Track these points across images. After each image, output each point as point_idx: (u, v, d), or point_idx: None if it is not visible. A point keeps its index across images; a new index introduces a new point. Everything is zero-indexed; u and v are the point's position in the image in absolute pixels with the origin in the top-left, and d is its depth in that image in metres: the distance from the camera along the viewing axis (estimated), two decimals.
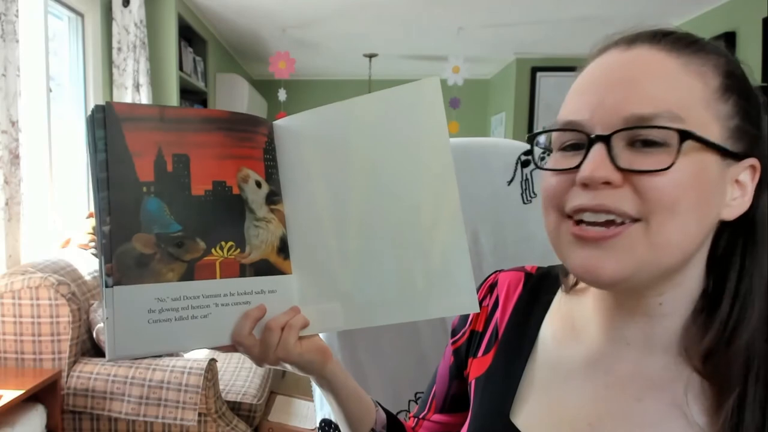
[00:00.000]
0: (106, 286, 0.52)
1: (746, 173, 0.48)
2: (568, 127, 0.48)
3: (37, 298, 1.98)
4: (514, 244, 0.97)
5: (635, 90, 0.45)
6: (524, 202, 0.96)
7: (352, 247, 0.59)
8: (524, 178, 0.97)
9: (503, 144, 1.02)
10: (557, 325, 0.61)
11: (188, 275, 0.55)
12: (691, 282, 0.50)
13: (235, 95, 4.61)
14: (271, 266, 0.59)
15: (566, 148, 0.50)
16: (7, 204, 2.03)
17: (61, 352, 2.02)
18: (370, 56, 5.06)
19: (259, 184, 0.59)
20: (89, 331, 2.17)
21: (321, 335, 0.65)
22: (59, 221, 2.60)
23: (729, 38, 3.41)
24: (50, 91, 2.50)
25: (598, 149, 0.46)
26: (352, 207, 0.59)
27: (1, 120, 1.99)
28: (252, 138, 0.59)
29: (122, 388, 2.02)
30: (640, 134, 0.45)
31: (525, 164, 0.98)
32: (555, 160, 0.51)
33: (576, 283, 0.61)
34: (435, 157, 0.56)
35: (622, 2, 3.59)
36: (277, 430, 2.36)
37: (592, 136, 0.46)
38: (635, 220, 0.46)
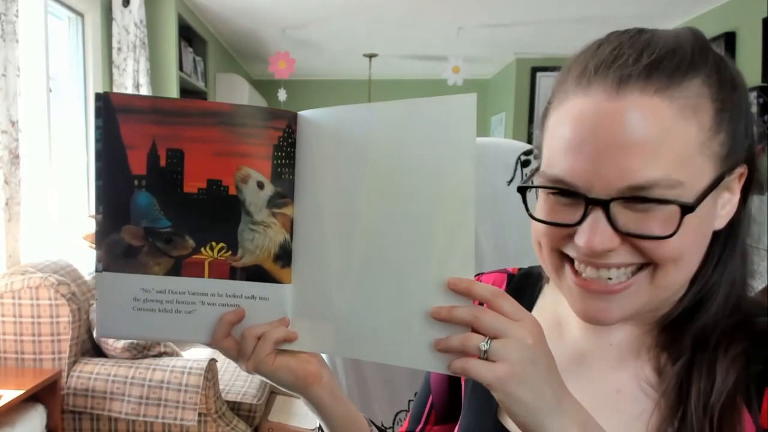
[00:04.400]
0: (97, 270, 0.55)
1: (735, 180, 0.49)
2: (561, 186, 0.47)
3: (37, 298, 1.98)
4: (515, 243, 0.97)
5: (631, 158, 0.43)
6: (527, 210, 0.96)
7: (355, 269, 0.54)
8: (524, 178, 0.97)
9: (503, 144, 1.02)
10: (543, 324, 0.61)
11: (175, 271, 0.55)
12: (682, 289, 0.51)
13: (235, 95, 4.61)
14: (266, 273, 0.57)
15: (558, 194, 0.48)
16: (7, 204, 2.03)
17: (61, 352, 2.02)
18: (370, 56, 5.06)
19: (261, 185, 0.55)
20: (89, 331, 2.17)
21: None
22: (59, 221, 2.59)
23: (729, 38, 3.41)
24: (50, 91, 2.50)
25: (597, 216, 0.45)
26: (362, 224, 0.54)
27: (1, 120, 1.99)
28: (259, 134, 0.54)
29: (122, 388, 2.02)
30: (638, 202, 0.45)
31: (525, 164, 0.98)
32: (547, 206, 0.50)
33: None
34: (455, 185, 0.49)
35: (622, 2, 3.59)
36: (277, 430, 2.36)
37: (589, 197, 0.45)
38: (640, 267, 0.47)
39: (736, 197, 0.49)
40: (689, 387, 0.47)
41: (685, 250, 0.46)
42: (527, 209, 0.51)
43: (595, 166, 0.44)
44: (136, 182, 0.54)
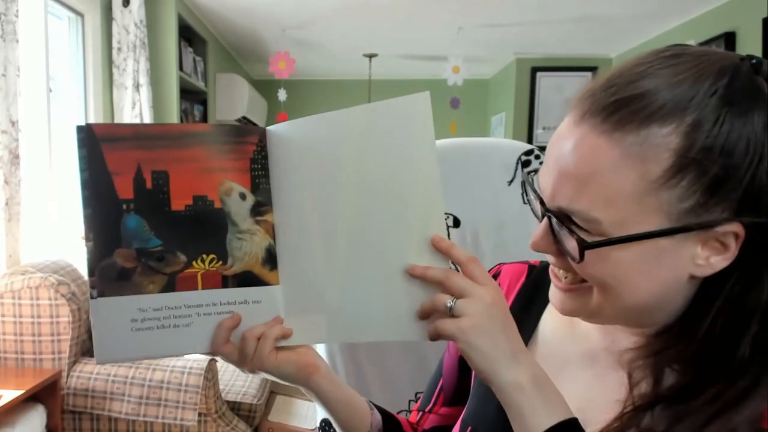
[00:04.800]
0: (91, 298, 0.56)
1: (728, 236, 0.46)
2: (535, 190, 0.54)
3: (37, 298, 1.98)
4: (515, 243, 0.97)
5: (566, 184, 0.48)
6: (524, 202, 0.97)
7: (340, 260, 0.59)
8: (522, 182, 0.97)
9: (504, 144, 1.02)
10: (557, 321, 0.64)
11: (169, 287, 0.57)
12: (677, 308, 0.51)
13: (235, 95, 4.61)
14: (255, 277, 0.60)
15: None
16: (7, 204, 2.03)
17: (61, 352, 2.02)
18: (370, 56, 5.06)
19: (243, 196, 0.59)
20: (89, 331, 2.16)
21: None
22: (59, 221, 2.59)
23: (729, 38, 3.42)
24: (50, 91, 2.50)
25: (544, 222, 0.52)
26: (341, 219, 0.58)
27: (1, 120, 1.99)
28: (236, 150, 0.59)
29: (122, 388, 2.02)
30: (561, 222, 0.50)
31: (525, 164, 0.98)
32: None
33: None
34: (422, 173, 0.55)
35: (622, 2, 3.59)
36: (277, 430, 2.36)
37: (544, 204, 0.51)
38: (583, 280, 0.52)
39: (732, 251, 0.46)
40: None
41: (610, 281, 0.49)
42: (526, 201, 0.57)
43: (547, 180, 0.50)
44: (124, 206, 0.56)
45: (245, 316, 0.60)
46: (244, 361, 0.60)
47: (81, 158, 0.55)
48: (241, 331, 0.60)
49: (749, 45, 3.26)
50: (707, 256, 0.47)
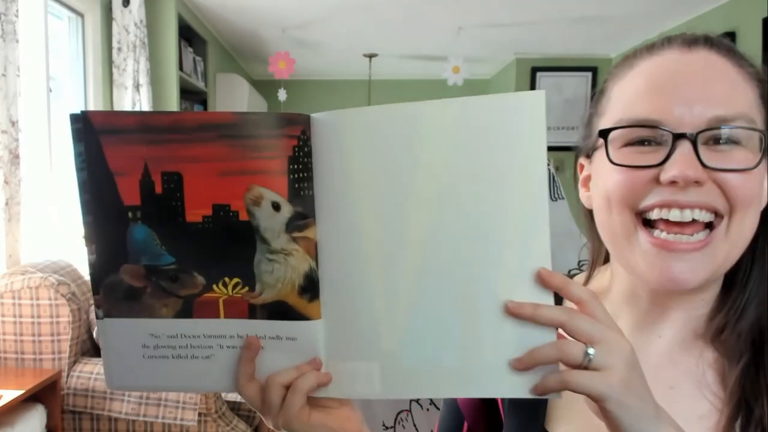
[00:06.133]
0: (97, 318, 0.49)
1: None
2: (648, 124, 0.48)
3: (37, 298, 1.98)
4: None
5: (713, 91, 0.47)
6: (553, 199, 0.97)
7: (406, 290, 0.46)
8: (550, 175, 0.96)
9: None
10: None
11: (185, 312, 0.49)
12: (717, 285, 0.53)
13: (235, 95, 4.61)
14: (290, 309, 0.48)
15: (635, 144, 0.49)
16: (7, 204, 2.03)
17: (61, 352, 2.02)
18: (370, 56, 5.05)
19: (277, 206, 0.47)
20: (89, 331, 2.17)
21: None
22: (59, 221, 2.59)
23: (729, 38, 3.41)
24: (50, 91, 2.50)
25: (685, 148, 0.46)
26: (411, 238, 0.46)
27: (1, 120, 1.99)
28: (270, 145, 0.46)
29: None
30: (723, 134, 0.46)
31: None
32: (624, 155, 0.49)
33: (587, 282, 0.61)
34: (526, 188, 0.44)
35: (622, 2, 3.58)
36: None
37: (676, 133, 0.46)
38: (718, 217, 0.47)
39: None
40: (755, 386, 0.48)
41: (756, 195, 0.48)
42: (609, 156, 0.50)
43: (678, 101, 0.47)
44: (130, 214, 0.47)
45: (275, 354, 0.49)
46: (268, 411, 0.49)
47: (77, 154, 0.46)
48: (267, 372, 0.50)
49: (749, 45, 3.26)
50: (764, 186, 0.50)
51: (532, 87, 5.16)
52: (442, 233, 0.45)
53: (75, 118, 0.46)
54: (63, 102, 2.79)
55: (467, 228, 0.45)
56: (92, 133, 0.46)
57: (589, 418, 0.50)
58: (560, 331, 0.43)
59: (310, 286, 0.48)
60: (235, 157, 0.46)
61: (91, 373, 2.04)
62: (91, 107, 2.91)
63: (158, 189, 0.46)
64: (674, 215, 0.47)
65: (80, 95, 2.88)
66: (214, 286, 0.48)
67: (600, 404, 0.41)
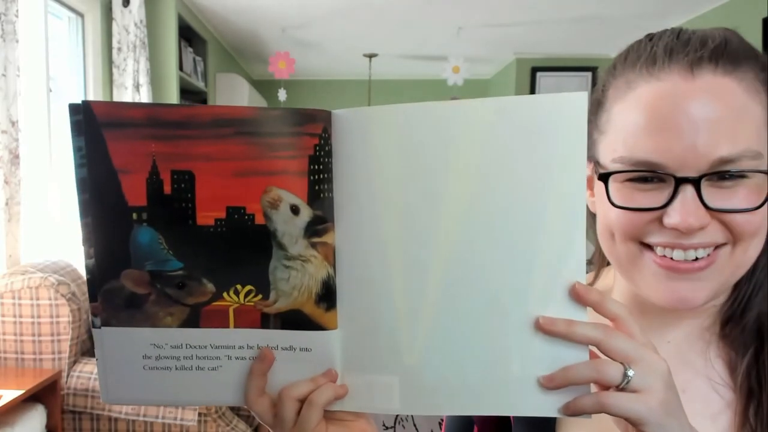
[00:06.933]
0: (94, 326, 0.46)
1: None
2: (646, 168, 0.47)
3: (37, 298, 1.98)
4: None
5: (717, 128, 0.44)
6: None
7: (429, 301, 0.44)
8: None
9: None
10: None
11: (192, 322, 0.46)
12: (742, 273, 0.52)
13: (235, 95, 4.61)
14: (306, 319, 0.46)
15: (637, 181, 0.48)
16: (7, 204, 2.03)
17: (61, 352, 2.02)
18: (370, 56, 5.06)
19: (295, 210, 0.44)
20: (89, 331, 2.17)
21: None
22: (59, 221, 2.60)
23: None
24: (50, 91, 2.50)
25: (688, 193, 0.45)
26: (436, 245, 0.43)
27: (1, 120, 1.99)
28: (290, 144, 0.43)
29: None
30: (727, 175, 0.45)
31: None
32: (624, 194, 0.48)
33: (594, 282, 0.61)
34: (563, 196, 0.41)
35: (622, 2, 3.59)
36: None
37: (678, 176, 0.45)
38: (721, 244, 0.47)
39: None
40: (759, 378, 0.48)
41: (760, 228, 0.47)
42: (609, 198, 0.49)
43: (680, 143, 0.45)
44: (134, 215, 0.44)
45: (288, 366, 0.47)
46: (281, 426, 0.47)
47: (77, 149, 0.43)
48: (278, 385, 0.47)
49: None
50: None
51: (533, 87, 5.16)
52: (472, 241, 0.42)
53: (75, 109, 0.42)
54: (63, 102, 2.79)
55: (498, 237, 0.42)
56: (94, 125, 0.42)
57: (602, 422, 0.49)
58: (592, 348, 0.41)
59: (328, 295, 0.45)
60: (253, 155, 0.43)
61: (91, 373, 2.04)
62: None
63: (167, 189, 0.43)
64: (677, 255, 0.47)
65: (80, 95, 2.88)
66: (225, 294, 0.45)
67: (639, 428, 0.39)
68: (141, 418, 2.01)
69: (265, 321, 0.46)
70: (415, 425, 1.06)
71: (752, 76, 0.47)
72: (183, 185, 0.43)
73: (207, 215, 0.44)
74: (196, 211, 0.44)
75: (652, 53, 0.48)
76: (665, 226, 0.46)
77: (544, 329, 0.41)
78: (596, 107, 0.53)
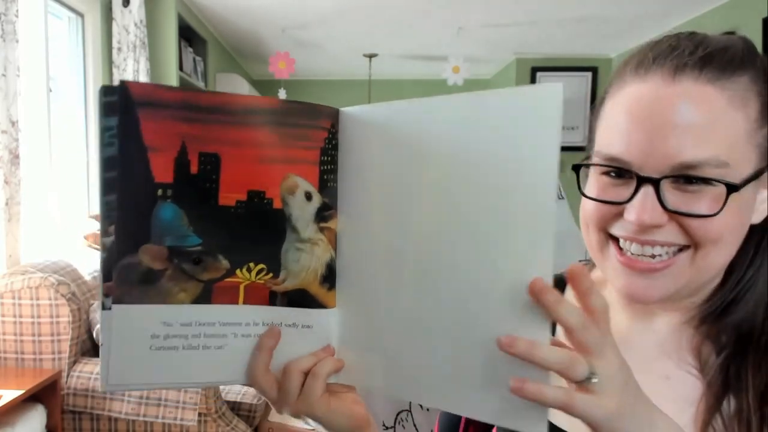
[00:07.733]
0: (104, 308, 0.45)
1: None
2: (615, 164, 0.49)
3: (37, 298, 1.98)
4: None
5: (683, 138, 0.46)
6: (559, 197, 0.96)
7: (408, 293, 0.45)
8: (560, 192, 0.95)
9: None
10: None
11: (204, 298, 0.47)
12: (719, 277, 0.54)
13: None
14: (310, 298, 0.49)
15: (610, 174, 0.51)
16: (7, 204, 2.03)
17: (61, 352, 2.01)
18: (370, 56, 5.05)
19: (309, 196, 0.48)
20: (89, 331, 2.17)
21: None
22: (59, 221, 2.60)
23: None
24: (50, 91, 2.50)
25: (647, 192, 0.47)
26: (413, 235, 0.45)
27: (1, 120, 1.99)
28: (307, 135, 0.46)
29: None
30: (693, 180, 0.47)
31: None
32: (599, 185, 0.52)
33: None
34: (534, 191, 0.39)
35: (622, 2, 3.59)
36: (277, 430, 2.36)
37: (641, 175, 0.47)
38: (681, 248, 0.49)
39: None
40: (738, 380, 0.49)
41: (726, 232, 0.47)
42: (579, 188, 0.53)
43: (648, 144, 0.47)
44: (160, 191, 0.44)
45: (290, 342, 0.49)
46: (285, 399, 0.49)
47: (105, 129, 0.43)
48: (282, 361, 0.49)
49: None
50: (762, 199, 0.50)
51: None
52: (444, 234, 0.43)
53: (108, 91, 0.43)
54: (63, 102, 2.79)
55: (466, 234, 0.42)
56: (130, 104, 0.43)
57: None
58: (559, 332, 0.41)
59: (330, 276, 0.49)
60: (277, 144, 0.46)
61: (91, 373, 2.04)
62: (91, 107, 2.91)
63: (194, 169, 0.45)
64: (635, 249, 0.49)
65: (80, 95, 2.89)
66: (238, 271, 0.47)
67: (596, 429, 0.39)
68: (141, 418, 2.01)
69: (273, 299, 0.48)
70: (415, 425, 1.05)
71: (742, 87, 0.47)
72: (209, 167, 0.45)
73: (229, 196, 0.46)
74: (219, 192, 0.46)
75: (647, 55, 0.50)
76: (626, 220, 0.49)
77: (505, 349, 0.39)
78: (600, 103, 0.56)
